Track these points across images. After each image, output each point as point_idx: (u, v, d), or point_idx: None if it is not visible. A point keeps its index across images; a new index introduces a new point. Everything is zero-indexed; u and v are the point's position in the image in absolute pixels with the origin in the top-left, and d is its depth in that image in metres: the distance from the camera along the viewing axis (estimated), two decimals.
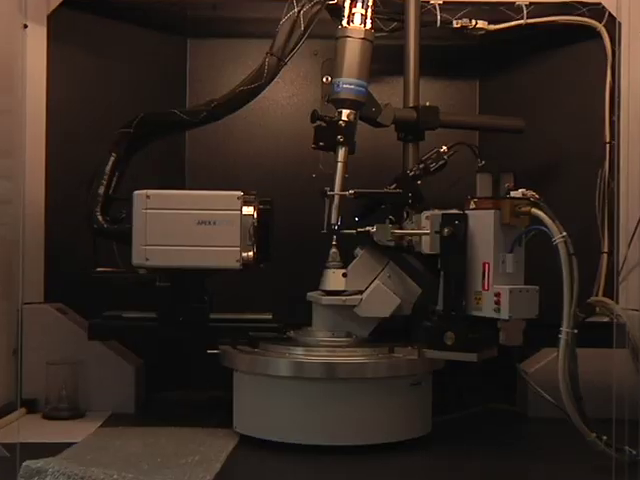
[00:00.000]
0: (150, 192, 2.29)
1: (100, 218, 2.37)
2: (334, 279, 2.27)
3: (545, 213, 1.98)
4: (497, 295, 1.99)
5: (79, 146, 2.69)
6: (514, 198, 2.03)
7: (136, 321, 2.34)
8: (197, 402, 2.63)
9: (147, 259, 2.25)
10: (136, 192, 2.29)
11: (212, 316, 2.31)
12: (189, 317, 2.29)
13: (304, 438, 2.10)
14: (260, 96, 2.44)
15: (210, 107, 2.41)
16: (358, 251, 2.34)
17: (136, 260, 2.26)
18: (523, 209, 2.01)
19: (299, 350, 2.19)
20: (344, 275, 2.26)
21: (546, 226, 1.96)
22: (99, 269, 2.35)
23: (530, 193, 2.03)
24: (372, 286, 2.26)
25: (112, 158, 2.43)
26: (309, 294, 2.34)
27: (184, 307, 2.29)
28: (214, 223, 2.24)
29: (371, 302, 2.24)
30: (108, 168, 2.42)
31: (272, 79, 2.38)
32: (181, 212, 2.26)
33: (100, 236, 2.38)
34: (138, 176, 2.48)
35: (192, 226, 2.24)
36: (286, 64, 2.37)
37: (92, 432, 2.27)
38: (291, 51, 2.35)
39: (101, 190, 2.39)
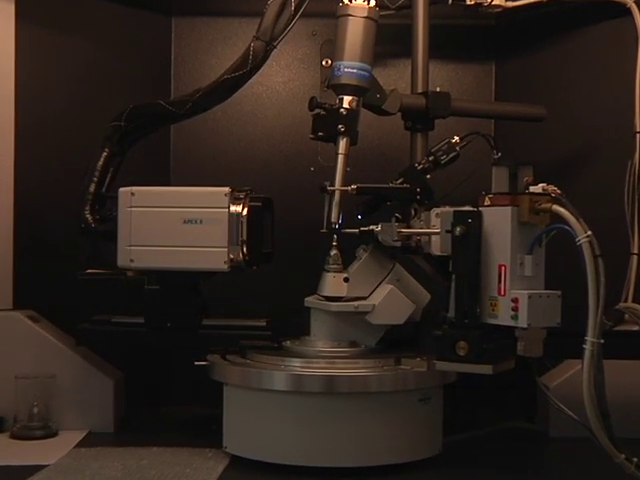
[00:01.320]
0: (135, 189, 2.32)
1: (89, 217, 2.40)
2: (334, 284, 2.27)
3: (568, 210, 1.98)
4: (515, 301, 2.00)
5: (51, 139, 2.70)
6: (533, 194, 2.04)
7: (127, 326, 2.36)
8: (183, 419, 2.64)
9: (132, 260, 2.29)
10: (121, 189, 2.33)
11: (203, 322, 2.32)
12: (178, 323, 2.31)
13: (301, 459, 2.11)
14: (252, 82, 2.44)
15: (195, 97, 2.42)
16: (360, 252, 2.34)
17: (121, 262, 2.30)
18: (543, 206, 2.02)
19: (296, 361, 2.19)
20: (346, 280, 2.26)
21: (569, 225, 1.96)
22: (88, 271, 2.38)
23: (551, 188, 2.04)
24: (386, 291, 2.26)
25: (104, 153, 2.45)
26: (307, 300, 2.35)
27: (173, 312, 2.31)
28: (201, 222, 2.27)
29: (385, 308, 2.25)
30: (100, 164, 2.44)
31: (259, 66, 2.38)
32: (167, 210, 2.29)
33: (88, 236, 2.41)
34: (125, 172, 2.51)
35: (178, 225, 2.27)
36: (275, 48, 2.38)
37: (66, 453, 2.27)
38: (281, 33, 2.36)
39: (92, 188, 2.43)
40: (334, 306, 2.26)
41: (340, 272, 2.28)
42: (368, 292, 2.29)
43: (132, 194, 2.31)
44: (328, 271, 2.29)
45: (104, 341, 2.42)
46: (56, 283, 2.62)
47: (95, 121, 2.66)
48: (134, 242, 2.30)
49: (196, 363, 2.29)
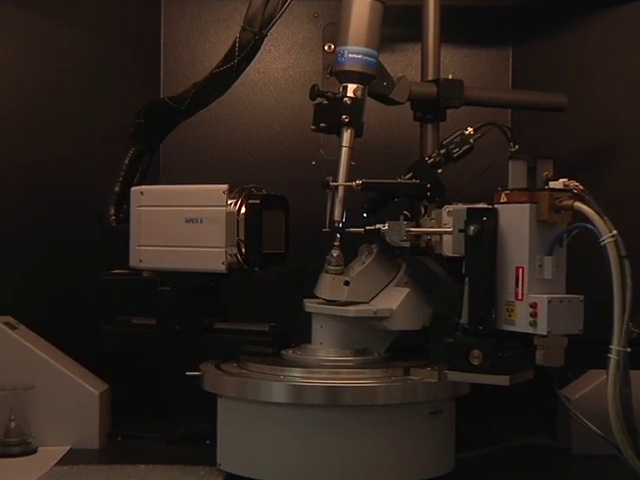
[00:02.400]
0: (144, 188, 2.45)
1: (110, 217, 2.51)
2: (333, 286, 2.29)
3: (591, 207, 1.98)
4: (533, 306, 2.00)
5: (25, 133, 2.71)
6: (554, 190, 2.04)
7: (144, 328, 2.46)
8: (174, 434, 2.64)
9: (141, 261, 2.41)
10: (132, 188, 2.45)
11: (215, 326, 2.39)
12: (184, 326, 2.39)
13: (301, 477, 2.12)
14: (248, 68, 2.45)
15: (191, 93, 2.49)
16: (363, 251, 2.35)
17: (132, 262, 2.43)
18: (564, 203, 2.02)
19: (296, 371, 2.20)
20: (346, 283, 2.27)
21: (592, 223, 1.97)
22: (113, 271, 2.49)
23: (573, 184, 2.04)
24: (403, 294, 2.27)
25: (130, 152, 2.56)
26: (310, 304, 2.35)
27: (180, 315, 2.40)
28: (201, 221, 2.34)
29: (402, 313, 2.27)
30: (126, 163, 2.56)
31: (249, 57, 2.40)
32: (171, 209, 2.39)
33: (107, 236, 2.52)
34: None
35: (181, 224, 2.36)
36: (266, 36, 2.39)
37: (46, 472, 2.28)
38: (271, 20, 2.37)
39: (117, 187, 2.54)
40: (353, 311, 2.26)
41: (341, 274, 2.29)
42: (369, 297, 2.30)
43: (141, 193, 2.44)
44: (327, 272, 2.30)
45: (123, 343, 2.51)
46: (37, 287, 2.63)
47: (79, 109, 2.68)
48: (143, 242, 2.42)
49: (187, 373, 2.30)
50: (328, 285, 2.30)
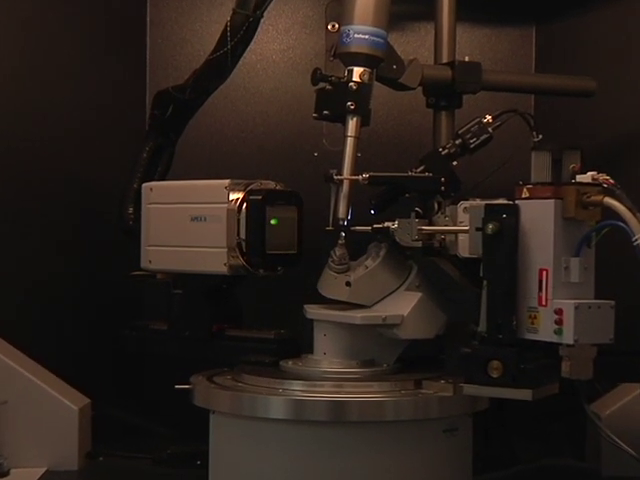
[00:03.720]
0: (154, 184, 2.53)
1: (128, 215, 2.60)
2: (334, 286, 2.30)
3: (623, 203, 1.99)
4: (558, 312, 2.00)
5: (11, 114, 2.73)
6: (581, 184, 2.05)
7: (159, 334, 2.54)
8: (162, 454, 2.65)
9: (150, 261, 2.49)
10: (144, 184, 2.53)
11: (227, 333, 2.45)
12: (193, 332, 2.45)
13: None
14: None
15: (190, 82, 2.55)
16: (372, 249, 2.35)
17: (143, 263, 2.50)
18: (593, 198, 2.03)
19: (297, 384, 2.21)
20: (347, 284, 2.29)
21: (624, 221, 1.97)
22: (135, 273, 2.56)
23: (602, 177, 2.04)
24: (415, 299, 2.28)
25: (148, 146, 2.64)
26: (309, 310, 2.36)
27: (190, 320, 2.46)
28: (205, 219, 2.39)
29: (415, 320, 2.27)
30: (144, 157, 2.63)
31: (245, 40, 2.43)
32: (178, 207, 2.45)
33: (127, 235, 2.60)
34: None
35: (186, 223, 2.42)
36: (262, 17, 2.40)
37: None
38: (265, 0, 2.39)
39: (135, 183, 2.61)
40: (359, 318, 2.27)
41: (344, 273, 2.30)
42: (373, 300, 2.31)
43: (151, 190, 2.50)
44: (330, 269, 2.31)
45: (140, 348, 2.60)
46: (10, 290, 2.65)
47: (58, 92, 2.70)
48: (151, 242, 2.49)
49: (177, 387, 2.31)
50: (329, 283, 2.31)
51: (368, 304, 2.31)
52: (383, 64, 2.38)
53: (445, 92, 2.53)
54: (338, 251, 2.30)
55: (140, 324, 2.60)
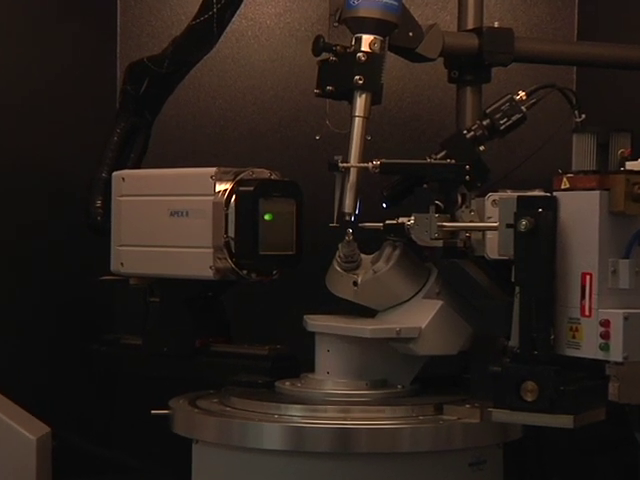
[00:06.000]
0: (126, 173, 2.52)
1: (96, 210, 2.59)
2: (342, 283, 2.32)
3: None
4: (605, 324, 2.00)
5: None
6: (632, 172, 2.05)
7: (132, 349, 2.54)
8: None
9: (122, 264, 2.48)
10: (114, 173, 2.52)
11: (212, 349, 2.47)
12: (172, 348, 2.45)
13: None
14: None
15: (168, 52, 2.56)
16: (385, 248, 2.35)
17: (113, 266, 2.50)
18: None
19: (295, 409, 2.22)
20: (355, 284, 2.30)
21: None
22: (104, 278, 2.57)
23: None
24: (435, 308, 2.29)
25: (119, 128, 2.63)
26: (310, 321, 2.36)
27: (169, 334, 2.47)
28: (186, 214, 2.38)
29: (434, 333, 2.28)
30: (115, 141, 2.63)
31: (232, 5, 2.44)
32: (154, 199, 2.46)
33: (94, 233, 2.60)
34: None
35: (165, 219, 2.42)
36: None
37: None
38: None
39: (104, 172, 2.60)
40: (369, 330, 2.27)
41: (353, 271, 2.32)
42: (383, 306, 2.33)
43: (123, 179, 2.50)
44: (338, 266, 2.33)
45: (110, 367, 2.62)
46: None
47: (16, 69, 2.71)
48: (123, 241, 2.49)
49: (153, 412, 2.32)
50: (336, 279, 2.34)
51: (378, 308, 2.32)
52: (397, 31, 2.38)
53: (471, 64, 2.53)
54: (344, 250, 2.32)
55: (111, 338, 2.61)
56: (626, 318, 1.99)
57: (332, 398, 2.28)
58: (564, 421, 2.02)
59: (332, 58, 2.34)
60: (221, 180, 2.37)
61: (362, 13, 2.32)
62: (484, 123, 2.41)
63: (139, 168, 2.64)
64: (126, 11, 3.09)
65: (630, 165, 2.06)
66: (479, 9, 2.58)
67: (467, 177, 2.33)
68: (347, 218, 2.31)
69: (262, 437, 2.16)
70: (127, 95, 2.66)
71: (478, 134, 2.40)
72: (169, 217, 2.41)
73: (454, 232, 2.27)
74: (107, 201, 2.58)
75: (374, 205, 2.37)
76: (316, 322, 2.36)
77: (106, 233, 2.54)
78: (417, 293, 2.34)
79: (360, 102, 2.33)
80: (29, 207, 2.86)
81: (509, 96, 2.41)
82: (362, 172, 2.30)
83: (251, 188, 2.37)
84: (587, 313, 2.03)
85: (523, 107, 2.39)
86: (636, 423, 2.16)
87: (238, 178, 2.39)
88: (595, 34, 2.94)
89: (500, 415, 2.09)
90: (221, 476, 2.23)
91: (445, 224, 2.26)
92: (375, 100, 2.36)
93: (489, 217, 2.22)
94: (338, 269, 2.33)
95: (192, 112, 3.08)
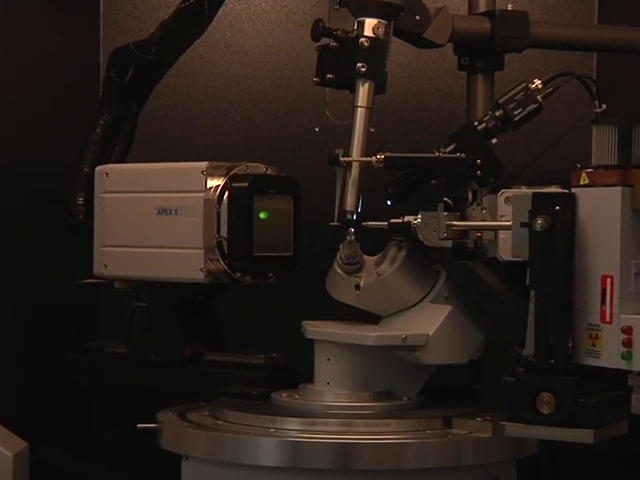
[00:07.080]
0: (110, 168, 2.53)
1: (78, 207, 2.60)
2: (343, 287, 2.33)
3: None
4: (627, 331, 2.01)
5: None
6: None
7: (116, 358, 2.54)
8: None
9: (105, 266, 2.50)
10: (97, 168, 2.53)
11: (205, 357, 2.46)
12: (160, 357, 2.45)
13: None
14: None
15: (156, 37, 2.56)
16: (390, 248, 2.36)
17: (96, 268, 2.51)
18: None
19: (293, 423, 2.22)
20: (357, 287, 2.31)
21: None
22: (86, 281, 2.57)
23: None
24: (444, 314, 2.30)
25: (102, 120, 2.64)
26: (308, 328, 2.37)
27: (157, 341, 2.47)
28: (175, 212, 2.40)
29: (442, 341, 2.29)
30: (98, 133, 2.63)
31: None
32: (141, 196, 2.46)
33: (75, 233, 2.61)
34: None
35: (152, 217, 2.43)
36: None
37: None
38: None
39: (86, 167, 2.61)
40: (372, 338, 2.28)
41: (354, 273, 2.32)
42: (387, 312, 2.34)
43: (106, 174, 2.51)
44: (339, 268, 2.34)
45: (93, 377, 2.60)
46: None
47: None
48: (107, 241, 2.50)
49: (139, 426, 2.33)
50: (336, 283, 2.35)
51: (382, 314, 2.32)
52: (403, 14, 2.39)
53: (482, 50, 2.54)
54: (345, 250, 2.32)
55: (93, 346, 2.61)
56: None
57: (333, 411, 2.28)
58: (583, 436, 2.03)
59: (332, 44, 2.35)
60: (213, 175, 2.38)
61: None
62: (497, 114, 2.40)
63: (124, 162, 2.64)
64: (107, 11, 3.10)
65: None
66: None
67: (478, 172, 2.34)
68: (349, 216, 2.31)
69: (257, 453, 2.16)
70: (111, 83, 2.66)
71: (490, 126, 2.40)
72: (156, 215, 2.42)
73: (464, 232, 2.28)
74: (89, 198, 2.58)
75: (378, 202, 2.37)
76: (315, 329, 2.37)
77: (88, 233, 2.55)
78: (424, 297, 2.34)
79: (363, 91, 2.34)
80: (2, 205, 2.86)
81: (524, 85, 2.40)
82: (365, 167, 2.31)
83: (245, 184, 2.37)
84: (608, 319, 2.04)
85: (539, 96, 2.39)
86: None
87: (231, 173, 2.39)
88: (617, 17, 2.95)
89: (514, 429, 2.10)
90: None
91: (454, 223, 2.27)
92: (379, 89, 2.36)
93: (502, 215, 2.22)
94: (339, 271, 2.34)
95: (181, 102, 3.08)
